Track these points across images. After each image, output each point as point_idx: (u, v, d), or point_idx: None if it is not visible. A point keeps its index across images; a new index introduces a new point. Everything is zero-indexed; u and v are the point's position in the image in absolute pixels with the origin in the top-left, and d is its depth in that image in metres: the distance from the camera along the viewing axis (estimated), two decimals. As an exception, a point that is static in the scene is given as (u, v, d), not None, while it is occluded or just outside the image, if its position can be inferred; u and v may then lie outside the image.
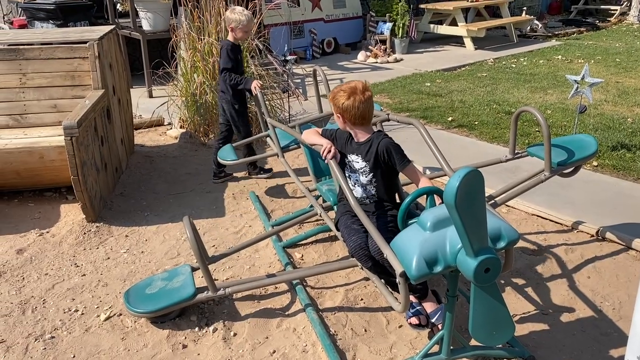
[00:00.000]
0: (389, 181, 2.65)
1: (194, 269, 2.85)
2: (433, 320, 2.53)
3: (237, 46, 4.12)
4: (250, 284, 2.77)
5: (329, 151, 2.61)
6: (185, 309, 2.75)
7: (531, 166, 3.59)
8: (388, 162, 2.55)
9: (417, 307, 2.55)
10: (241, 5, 5.15)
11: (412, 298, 2.61)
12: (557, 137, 4.99)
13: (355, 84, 2.56)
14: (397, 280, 2.07)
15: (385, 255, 2.17)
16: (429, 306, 2.59)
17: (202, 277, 2.69)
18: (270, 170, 4.47)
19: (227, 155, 4.01)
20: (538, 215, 3.69)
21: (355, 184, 2.66)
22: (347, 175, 2.67)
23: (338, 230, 2.76)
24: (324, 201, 3.37)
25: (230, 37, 4.10)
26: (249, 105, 5.06)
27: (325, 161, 2.65)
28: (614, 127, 5.32)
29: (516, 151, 3.31)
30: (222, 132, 4.35)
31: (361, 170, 2.61)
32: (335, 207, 3.11)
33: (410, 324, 2.53)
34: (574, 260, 3.20)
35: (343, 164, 2.67)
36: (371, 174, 2.60)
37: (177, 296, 2.67)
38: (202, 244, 2.69)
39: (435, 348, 2.31)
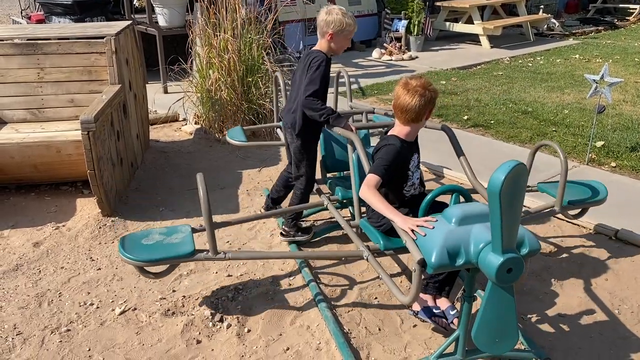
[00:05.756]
0: None
1: (194, 231, 2.78)
2: (451, 315, 2.51)
3: (330, 61, 3.08)
4: (252, 254, 2.84)
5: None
6: (197, 302, 2.76)
7: (547, 166, 3.54)
8: None
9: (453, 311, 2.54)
10: (256, 0, 5.18)
11: (446, 302, 2.58)
12: (575, 137, 4.95)
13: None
14: (412, 268, 2.05)
15: (404, 242, 2.15)
16: (444, 302, 2.57)
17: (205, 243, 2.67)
18: (310, 230, 3.39)
19: (235, 135, 3.92)
20: (556, 216, 3.64)
21: (415, 183, 2.63)
22: (409, 183, 2.60)
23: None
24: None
25: (322, 48, 3.09)
26: (261, 102, 5.06)
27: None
28: (632, 127, 5.24)
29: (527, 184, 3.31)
30: (279, 186, 3.50)
31: (418, 165, 2.65)
32: (351, 206, 3.12)
33: (435, 322, 2.52)
34: (592, 262, 3.16)
35: (405, 176, 2.57)
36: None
37: (175, 251, 2.57)
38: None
39: (451, 348, 2.29)
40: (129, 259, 2.53)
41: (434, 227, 2.07)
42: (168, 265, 2.66)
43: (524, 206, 3.09)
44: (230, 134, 3.98)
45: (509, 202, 1.73)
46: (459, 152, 2.90)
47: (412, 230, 2.13)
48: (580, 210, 3.19)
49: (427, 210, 2.26)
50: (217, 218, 3.67)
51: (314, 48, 3.15)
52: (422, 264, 2.00)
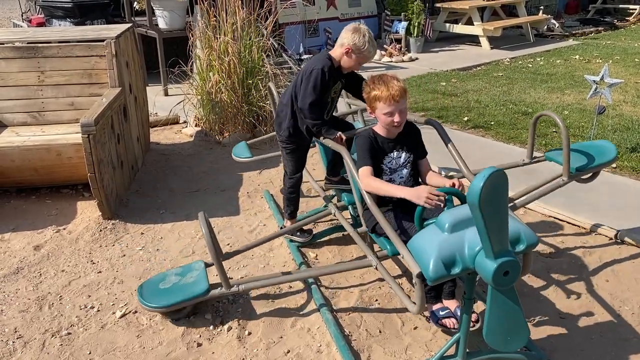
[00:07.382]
0: (419, 170, 2.69)
1: (207, 265, 2.85)
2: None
3: (335, 70, 2.98)
4: (264, 282, 2.78)
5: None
6: (199, 306, 2.76)
7: (548, 167, 3.54)
8: (419, 149, 2.65)
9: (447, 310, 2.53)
10: (256, 3, 5.18)
11: (454, 303, 2.58)
12: (575, 138, 4.95)
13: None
14: (414, 281, 2.05)
15: (401, 257, 2.16)
16: (452, 304, 2.56)
17: (216, 274, 2.69)
18: (310, 232, 3.40)
19: (241, 153, 3.93)
20: (555, 218, 3.64)
21: (394, 181, 2.60)
22: (385, 179, 2.57)
23: (373, 233, 2.65)
24: (338, 200, 3.36)
25: (335, 55, 2.97)
26: (262, 104, 5.07)
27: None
28: (633, 128, 5.24)
29: (534, 155, 3.27)
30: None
31: (404, 165, 2.60)
32: (350, 208, 3.11)
33: (443, 325, 2.52)
34: (592, 264, 3.16)
35: (380, 170, 2.56)
36: (411, 166, 2.62)
37: (191, 292, 2.66)
38: (217, 241, 2.69)
39: (452, 350, 2.29)
40: (150, 307, 2.63)
41: (436, 218, 2.05)
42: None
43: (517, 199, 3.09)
44: (236, 151, 3.99)
45: (491, 209, 1.71)
46: (446, 140, 2.79)
47: (418, 226, 2.14)
48: (591, 174, 3.10)
49: (422, 216, 2.23)
50: (217, 221, 3.68)
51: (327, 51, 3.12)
52: (422, 276, 2.00)
